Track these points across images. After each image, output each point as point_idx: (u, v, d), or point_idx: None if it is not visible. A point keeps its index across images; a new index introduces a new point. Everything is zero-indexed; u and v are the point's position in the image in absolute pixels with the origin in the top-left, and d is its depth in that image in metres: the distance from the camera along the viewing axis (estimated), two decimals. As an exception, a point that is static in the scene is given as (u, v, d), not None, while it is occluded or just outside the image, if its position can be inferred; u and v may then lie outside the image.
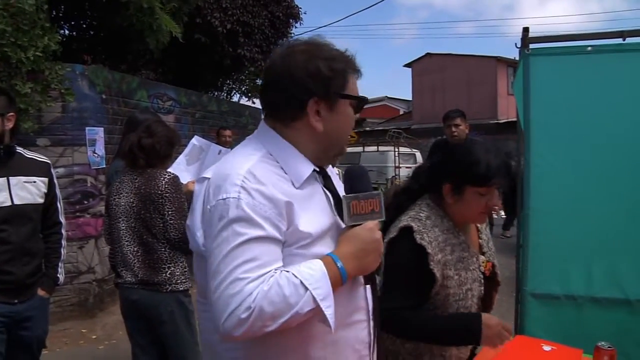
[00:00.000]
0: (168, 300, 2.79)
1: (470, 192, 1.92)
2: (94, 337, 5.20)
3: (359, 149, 19.61)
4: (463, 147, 2.01)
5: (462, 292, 1.97)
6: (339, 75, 1.38)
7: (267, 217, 1.26)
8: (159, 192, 2.75)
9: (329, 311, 1.26)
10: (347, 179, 1.45)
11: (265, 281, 1.22)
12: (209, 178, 1.36)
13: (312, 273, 1.25)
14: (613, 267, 2.59)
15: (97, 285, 5.84)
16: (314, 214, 1.36)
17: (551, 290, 2.44)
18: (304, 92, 1.37)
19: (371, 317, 1.50)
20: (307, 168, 1.39)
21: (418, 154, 18.72)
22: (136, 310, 2.88)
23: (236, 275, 1.21)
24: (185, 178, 3.19)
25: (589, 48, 2.70)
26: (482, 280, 2.06)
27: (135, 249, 2.82)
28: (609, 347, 2.04)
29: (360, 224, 1.37)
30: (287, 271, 1.25)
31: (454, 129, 4.73)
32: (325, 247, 1.35)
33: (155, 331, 2.90)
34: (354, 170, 1.47)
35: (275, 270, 1.25)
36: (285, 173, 1.37)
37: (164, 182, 2.77)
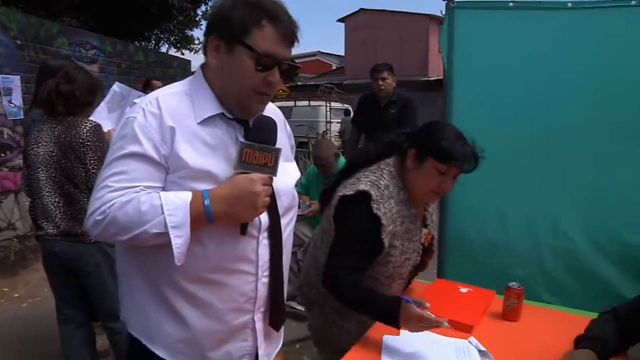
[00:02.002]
0: (92, 251, 2.73)
1: (430, 165, 1.95)
2: (16, 295, 5.04)
3: (291, 103, 19.48)
4: (442, 123, 2.05)
5: (400, 260, 2.06)
6: (239, 21, 1.36)
7: (150, 139, 1.34)
8: (80, 140, 2.64)
9: (177, 240, 1.30)
10: (253, 127, 1.45)
11: (127, 194, 1.31)
12: None
13: (175, 200, 1.31)
14: (526, 214, 2.75)
15: (19, 242, 5.63)
16: (204, 151, 1.39)
17: (469, 236, 2.56)
18: (208, 28, 1.43)
19: (262, 274, 1.50)
20: (212, 108, 1.43)
21: (350, 109, 18.84)
22: (59, 263, 2.80)
23: (106, 182, 1.33)
24: (106, 126, 3.08)
25: (511, 4, 2.77)
26: (421, 251, 2.15)
27: (57, 199, 2.72)
28: (518, 287, 2.20)
29: (248, 173, 1.37)
30: (158, 193, 1.31)
31: (380, 82, 4.78)
32: (208, 186, 1.37)
33: (79, 283, 2.84)
34: (262, 120, 1.46)
35: (145, 187, 1.32)
36: (194, 108, 1.41)
37: (85, 130, 2.66)
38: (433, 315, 1.74)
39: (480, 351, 1.85)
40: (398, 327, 1.78)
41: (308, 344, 3.69)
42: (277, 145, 1.44)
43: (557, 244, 2.69)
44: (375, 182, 1.98)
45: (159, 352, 1.48)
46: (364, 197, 1.93)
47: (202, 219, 1.33)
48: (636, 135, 2.51)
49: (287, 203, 1.56)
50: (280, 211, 1.53)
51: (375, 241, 1.95)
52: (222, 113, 1.44)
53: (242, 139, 1.43)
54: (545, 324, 2.16)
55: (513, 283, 2.22)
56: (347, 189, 1.99)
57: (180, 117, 1.38)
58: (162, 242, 1.31)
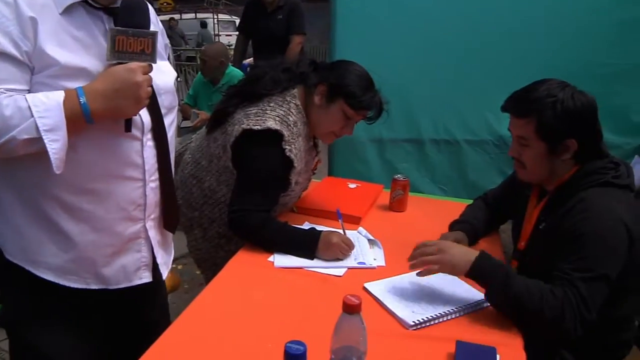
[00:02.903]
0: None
1: (339, 107, 1.89)
2: None
3: (176, 16, 18.54)
4: (356, 65, 1.95)
5: (297, 191, 2.06)
6: None
7: (7, 33, 1.16)
8: None
9: (53, 145, 1.16)
10: (121, 11, 1.28)
11: None
12: None
13: (45, 101, 1.16)
14: (411, 112, 2.86)
15: None
16: (73, 46, 1.24)
17: (358, 136, 2.63)
18: None
19: (149, 178, 1.41)
20: None
21: (238, 21, 18.22)
22: None
23: None
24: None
25: None
26: (310, 177, 2.17)
27: None
28: (403, 179, 2.31)
29: (125, 63, 1.24)
30: (23, 95, 1.16)
31: (266, -13, 4.60)
32: (84, 84, 1.22)
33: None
34: (131, 2, 1.29)
35: (7, 90, 1.16)
36: None
37: None
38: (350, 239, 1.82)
39: (369, 240, 1.95)
40: (312, 258, 1.77)
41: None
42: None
43: (438, 137, 2.85)
44: (284, 117, 1.87)
45: (45, 276, 1.35)
46: (274, 137, 1.83)
47: (79, 119, 1.20)
48: (516, 36, 2.64)
49: (167, 102, 1.46)
50: (163, 111, 1.43)
51: (284, 181, 1.92)
52: (85, 1, 1.27)
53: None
54: (429, 213, 2.30)
55: (399, 175, 2.33)
56: (251, 121, 1.84)
57: (39, 6, 1.20)
58: (35, 149, 1.17)
